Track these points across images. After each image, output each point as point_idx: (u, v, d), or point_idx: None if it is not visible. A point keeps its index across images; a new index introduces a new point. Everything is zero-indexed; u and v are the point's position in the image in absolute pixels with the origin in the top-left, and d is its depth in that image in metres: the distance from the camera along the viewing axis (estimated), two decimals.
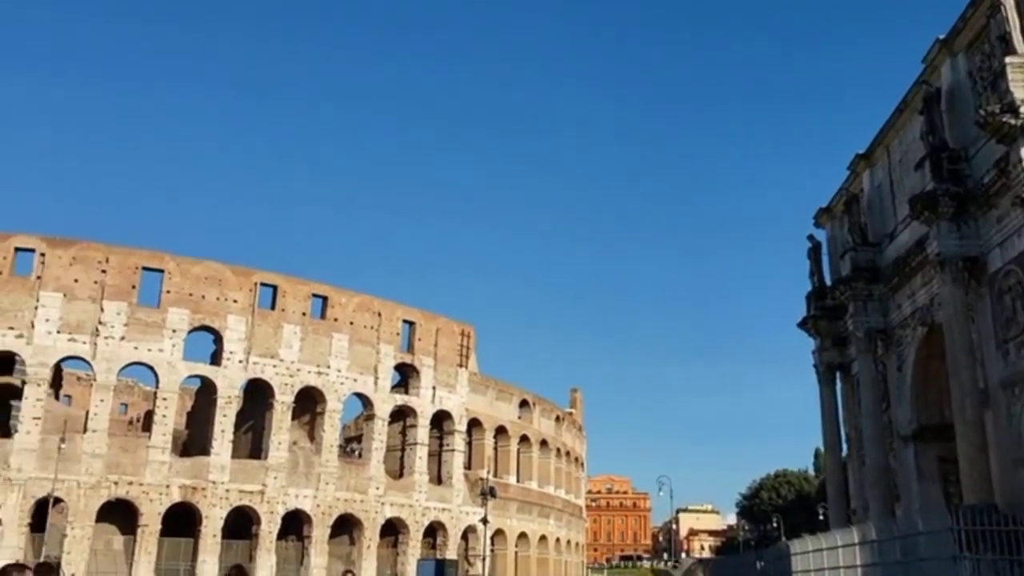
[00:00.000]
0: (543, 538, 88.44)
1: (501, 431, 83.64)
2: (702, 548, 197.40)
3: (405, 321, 74.94)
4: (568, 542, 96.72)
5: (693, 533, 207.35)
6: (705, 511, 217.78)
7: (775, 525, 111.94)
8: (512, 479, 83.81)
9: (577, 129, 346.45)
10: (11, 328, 58.73)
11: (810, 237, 45.36)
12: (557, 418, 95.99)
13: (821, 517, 73.49)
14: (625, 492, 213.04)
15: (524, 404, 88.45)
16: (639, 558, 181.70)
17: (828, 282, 43.71)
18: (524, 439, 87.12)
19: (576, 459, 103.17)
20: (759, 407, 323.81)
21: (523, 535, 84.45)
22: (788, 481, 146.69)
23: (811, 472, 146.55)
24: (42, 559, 50.29)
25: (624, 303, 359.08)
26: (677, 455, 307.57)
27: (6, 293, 59.17)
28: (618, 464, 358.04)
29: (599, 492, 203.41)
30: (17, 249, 60.73)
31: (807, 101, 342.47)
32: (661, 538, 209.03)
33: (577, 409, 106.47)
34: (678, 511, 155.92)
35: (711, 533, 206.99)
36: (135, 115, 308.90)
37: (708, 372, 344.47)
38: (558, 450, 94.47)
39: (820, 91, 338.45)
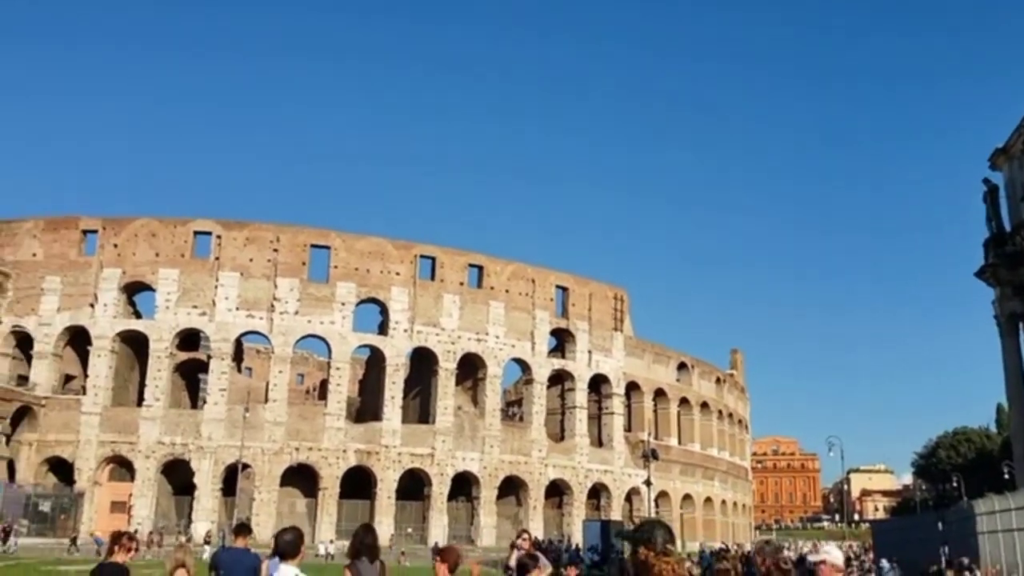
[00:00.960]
0: (708, 500, 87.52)
1: (660, 394, 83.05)
2: (876, 509, 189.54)
3: (558, 287, 75.45)
4: (734, 504, 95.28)
5: (866, 494, 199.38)
6: (878, 471, 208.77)
7: (955, 485, 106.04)
8: (673, 441, 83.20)
9: (733, 94, 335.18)
10: (195, 307, 63.41)
11: (986, 180, 42.11)
12: (718, 380, 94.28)
13: (1007, 476, 68.80)
14: (792, 453, 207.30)
15: (682, 367, 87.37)
16: (816, 519, 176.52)
17: (1007, 227, 40.54)
18: (684, 402, 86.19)
19: (739, 421, 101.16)
20: (933, 362, 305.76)
21: (688, 497, 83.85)
22: (968, 439, 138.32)
23: (993, 429, 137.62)
24: (234, 521, 54.47)
25: (783, 259, 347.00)
26: (847, 415, 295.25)
27: (188, 274, 63.88)
28: (783, 425, 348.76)
29: (764, 454, 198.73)
30: (196, 233, 65.37)
31: (977, 29, 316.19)
32: (832, 499, 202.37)
33: (738, 370, 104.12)
34: (849, 471, 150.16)
35: (885, 494, 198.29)
36: (295, 96, 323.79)
37: (876, 327, 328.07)
38: (720, 412, 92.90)
39: (990, 13, 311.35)
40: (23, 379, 62.39)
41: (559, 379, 75.02)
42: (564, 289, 75.66)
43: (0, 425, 57.09)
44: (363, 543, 8.63)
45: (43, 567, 37.33)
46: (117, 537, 8.81)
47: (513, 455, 69.05)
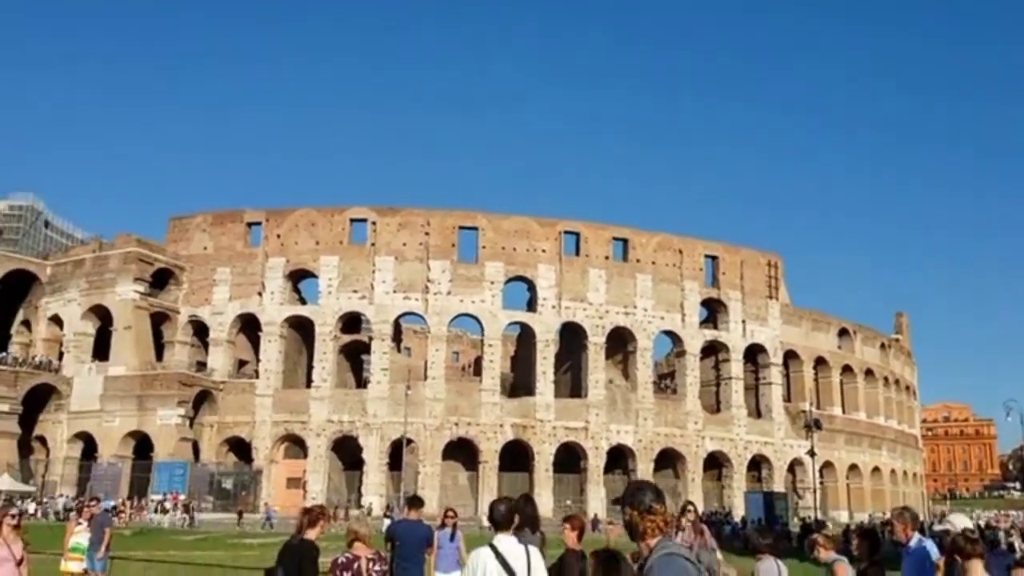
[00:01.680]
0: (876, 469, 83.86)
1: (820, 362, 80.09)
2: None
3: (707, 256, 73.87)
4: (904, 473, 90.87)
5: None
6: None
7: None
8: (837, 411, 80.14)
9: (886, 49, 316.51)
10: (355, 291, 66.15)
11: None
12: (882, 345, 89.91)
13: None
14: (965, 420, 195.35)
15: (843, 333, 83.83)
16: (1001, 487, 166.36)
17: None
18: (847, 369, 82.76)
19: (906, 387, 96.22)
20: None
21: (854, 467, 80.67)
22: None
23: None
24: (403, 493, 56.70)
25: (943, 218, 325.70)
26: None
27: (347, 260, 66.65)
28: (954, 391, 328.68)
29: (935, 421, 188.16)
30: (352, 220, 68.07)
31: None
32: (1011, 467, 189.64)
33: (903, 335, 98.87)
34: None
35: None
36: (437, 88, 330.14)
37: None
38: (885, 379, 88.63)
39: None
40: (201, 365, 67.11)
41: (712, 350, 73.64)
42: (713, 258, 74.00)
43: (184, 409, 61.62)
44: (524, 514, 8.71)
45: (228, 540, 39.98)
46: (310, 513, 8.46)
47: (668, 428, 68.46)
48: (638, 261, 70.31)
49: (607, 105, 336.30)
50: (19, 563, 9.30)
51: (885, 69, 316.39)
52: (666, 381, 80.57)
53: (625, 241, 70.91)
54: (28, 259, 72.26)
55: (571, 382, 69.51)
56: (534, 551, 6.87)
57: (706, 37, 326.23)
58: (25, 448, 63.40)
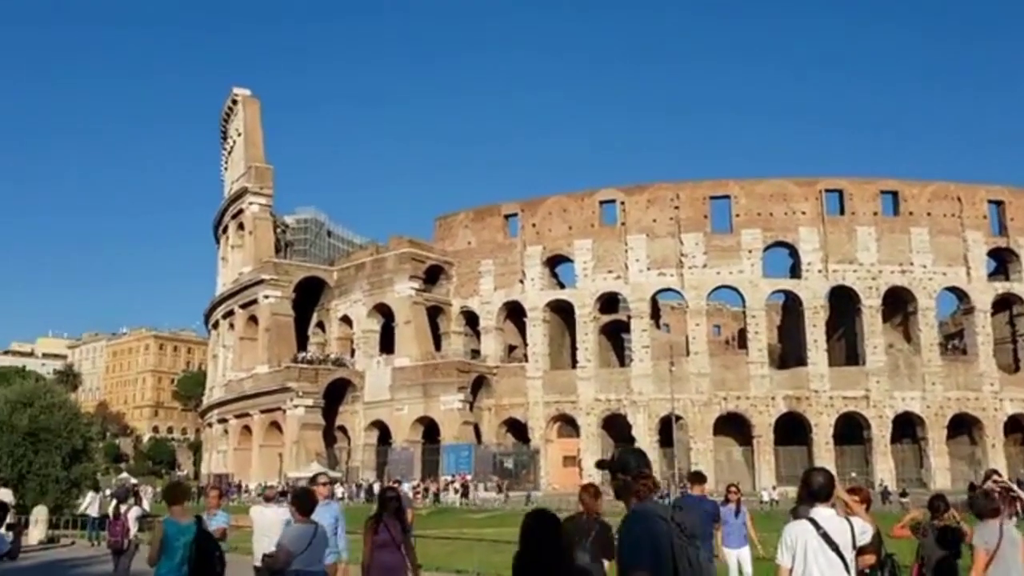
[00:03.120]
0: None
1: None
2: None
3: (991, 202, 67.07)
4: None
5: None
6: None
7: None
8: None
9: None
10: (610, 272, 66.98)
11: None
12: None
13: None
14: None
15: None
16: None
17: None
18: None
19: None
20: None
21: None
22: None
23: None
24: (676, 470, 56.78)
25: None
26: None
27: (600, 242, 67.60)
28: None
29: None
30: (602, 202, 68.92)
31: None
32: None
33: None
34: None
35: None
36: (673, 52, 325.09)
37: None
38: None
39: None
40: (475, 353, 71.06)
41: (1005, 304, 66.86)
42: (999, 203, 67.02)
43: (463, 394, 65.53)
44: (816, 486, 8.16)
45: (514, 518, 41.77)
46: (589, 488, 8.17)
47: (960, 391, 63.09)
48: (911, 214, 65.28)
49: (864, 42, 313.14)
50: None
51: None
52: (954, 342, 74.13)
53: (895, 194, 66.08)
54: (317, 267, 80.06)
55: (846, 349, 66.00)
56: (859, 525, 6.23)
57: None
58: (329, 438, 70.44)
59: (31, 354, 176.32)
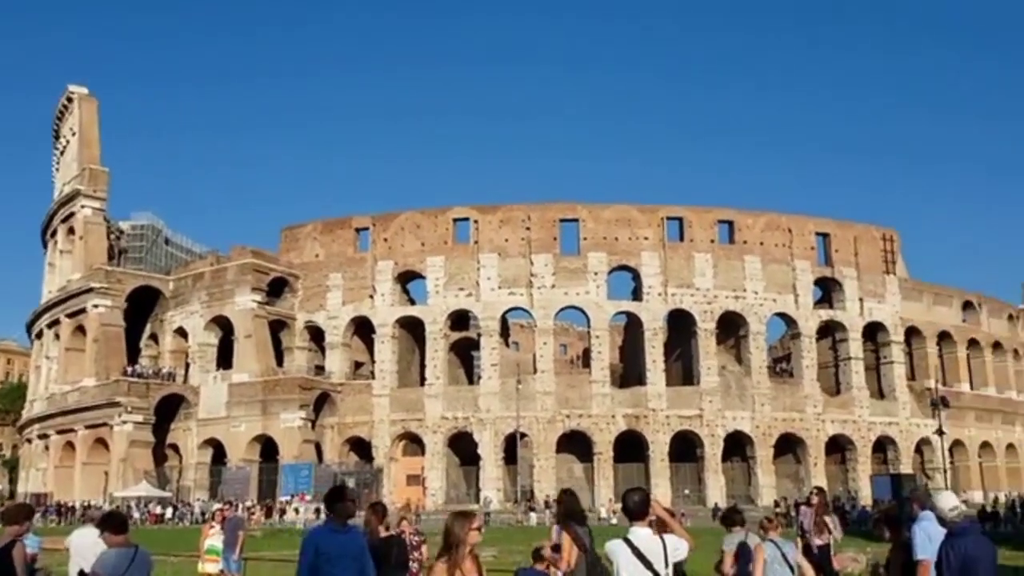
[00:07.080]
0: (1011, 447, 79.62)
1: (944, 337, 76.68)
2: None
3: (818, 234, 71.69)
4: None
5: None
6: None
7: None
8: (965, 387, 76.60)
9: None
10: (461, 289, 67.04)
11: None
12: (1010, 316, 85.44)
13: None
14: None
15: (968, 306, 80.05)
16: None
17: None
18: (973, 344, 78.97)
19: None
20: None
21: (986, 444, 76.84)
22: None
23: None
24: (519, 487, 57.14)
25: None
26: None
27: (452, 259, 67.60)
28: None
29: None
30: (455, 220, 69.00)
31: None
32: None
33: None
34: None
35: None
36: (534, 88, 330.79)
37: None
38: (1015, 351, 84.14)
39: None
40: (320, 369, 69.21)
41: (829, 331, 71.42)
42: (825, 236, 71.72)
43: (305, 412, 63.69)
44: (569, 508, 8.51)
45: None
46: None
47: (786, 412, 66.75)
48: (745, 243, 68.80)
49: (698, 89, 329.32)
50: None
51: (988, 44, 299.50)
52: (782, 365, 78.57)
53: (730, 223, 69.49)
54: (152, 275, 76.10)
55: (682, 370, 68.59)
56: (672, 542, 6.54)
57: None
58: (159, 456, 66.77)
59: None
